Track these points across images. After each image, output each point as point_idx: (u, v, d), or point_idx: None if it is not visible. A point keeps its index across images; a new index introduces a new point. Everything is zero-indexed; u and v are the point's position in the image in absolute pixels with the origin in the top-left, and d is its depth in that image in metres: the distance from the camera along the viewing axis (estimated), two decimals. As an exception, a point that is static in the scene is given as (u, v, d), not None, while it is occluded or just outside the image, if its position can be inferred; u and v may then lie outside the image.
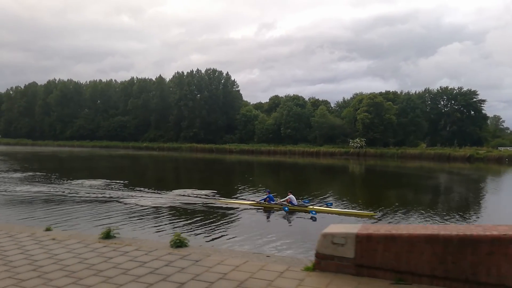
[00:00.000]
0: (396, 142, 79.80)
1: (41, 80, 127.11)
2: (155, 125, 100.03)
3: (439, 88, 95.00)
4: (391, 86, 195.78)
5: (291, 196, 16.99)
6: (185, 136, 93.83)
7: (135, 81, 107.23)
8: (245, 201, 18.39)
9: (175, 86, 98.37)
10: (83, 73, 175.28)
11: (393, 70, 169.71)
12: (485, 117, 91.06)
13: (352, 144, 75.30)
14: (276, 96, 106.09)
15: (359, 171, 48.33)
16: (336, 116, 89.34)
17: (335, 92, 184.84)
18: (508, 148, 72.53)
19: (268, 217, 16.23)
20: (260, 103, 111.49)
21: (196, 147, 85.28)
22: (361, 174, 44.44)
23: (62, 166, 42.89)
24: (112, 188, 22.45)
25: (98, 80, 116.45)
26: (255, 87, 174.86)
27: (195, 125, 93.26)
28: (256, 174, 41.68)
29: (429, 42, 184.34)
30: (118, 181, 25.12)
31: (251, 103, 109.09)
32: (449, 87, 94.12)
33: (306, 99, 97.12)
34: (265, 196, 17.71)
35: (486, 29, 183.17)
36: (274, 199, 17.63)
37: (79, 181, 24.93)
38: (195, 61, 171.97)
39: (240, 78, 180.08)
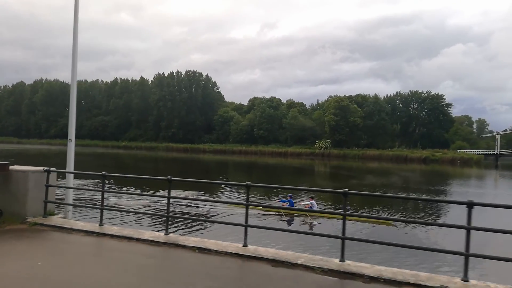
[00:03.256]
0: (367, 144, 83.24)
1: (43, 78, 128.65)
2: (136, 124, 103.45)
3: (409, 92, 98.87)
4: (394, 87, 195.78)
5: (313, 202, 16.41)
6: (164, 136, 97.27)
7: (118, 82, 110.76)
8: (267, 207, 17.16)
9: (156, 87, 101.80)
10: (84, 71, 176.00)
11: (396, 71, 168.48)
12: (452, 120, 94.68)
13: (318, 145, 78.78)
14: (255, 98, 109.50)
15: (324, 171, 50.37)
16: (309, 118, 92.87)
17: (337, 93, 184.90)
18: (465, 150, 76.06)
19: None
20: (240, 105, 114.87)
21: (172, 146, 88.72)
22: (326, 173, 47.22)
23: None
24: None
25: (84, 80, 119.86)
26: (256, 87, 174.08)
27: (174, 125, 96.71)
28: (231, 174, 41.90)
29: (432, 43, 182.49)
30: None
31: (236, 104, 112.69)
32: (419, 91, 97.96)
33: (294, 101, 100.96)
34: (285, 200, 16.95)
35: (491, 31, 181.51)
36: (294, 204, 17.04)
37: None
38: (196, 60, 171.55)
39: (241, 78, 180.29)
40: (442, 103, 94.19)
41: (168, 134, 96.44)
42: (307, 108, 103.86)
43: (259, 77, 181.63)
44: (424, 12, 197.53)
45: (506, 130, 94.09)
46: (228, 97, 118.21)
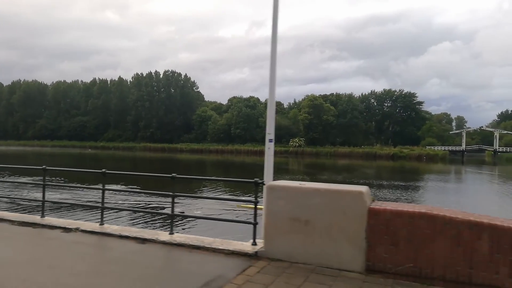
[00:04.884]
0: (342, 142, 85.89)
1: (26, 79, 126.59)
2: (114, 125, 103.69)
3: (383, 90, 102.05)
4: (381, 85, 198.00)
5: None
6: (142, 136, 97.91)
7: (97, 82, 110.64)
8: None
9: (134, 87, 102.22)
10: (69, 71, 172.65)
11: (383, 69, 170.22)
12: (423, 118, 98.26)
13: (292, 143, 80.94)
14: (234, 97, 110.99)
15: (298, 168, 51.95)
16: (285, 117, 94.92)
17: (326, 92, 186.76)
18: (434, 147, 79.38)
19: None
20: (220, 104, 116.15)
21: (149, 146, 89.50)
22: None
23: None
24: None
25: (62, 81, 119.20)
26: (245, 86, 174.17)
27: (152, 125, 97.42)
28: (210, 173, 41.83)
29: (419, 41, 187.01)
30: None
31: (216, 103, 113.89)
32: (392, 89, 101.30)
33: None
34: None
35: (477, 29, 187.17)
36: None
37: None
38: (184, 59, 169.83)
39: (230, 77, 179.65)
40: (414, 101, 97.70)
41: (147, 134, 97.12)
42: (285, 107, 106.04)
43: (248, 76, 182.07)
44: (411, 10, 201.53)
45: (482, 127, 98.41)
46: (216, 97, 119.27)
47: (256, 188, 5.38)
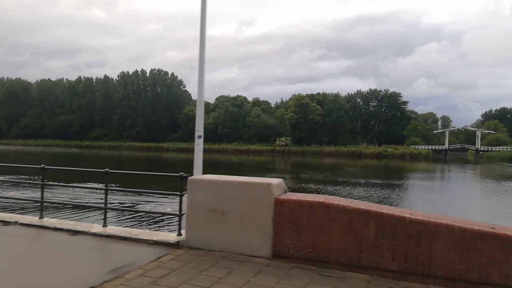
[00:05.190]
0: (328, 141, 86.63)
1: (11, 76, 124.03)
2: (100, 124, 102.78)
3: (368, 90, 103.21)
4: (370, 85, 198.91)
5: None
6: (128, 135, 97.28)
7: (82, 80, 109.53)
8: None
9: (120, 86, 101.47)
10: (55, 69, 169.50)
11: (372, 69, 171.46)
12: (408, 118, 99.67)
13: (278, 142, 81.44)
14: (221, 96, 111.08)
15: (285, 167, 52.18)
16: (273, 117, 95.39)
17: (316, 91, 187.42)
18: (418, 146, 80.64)
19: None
20: (207, 103, 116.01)
21: (135, 145, 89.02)
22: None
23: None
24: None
25: (47, 79, 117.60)
26: (234, 85, 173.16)
27: (138, 124, 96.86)
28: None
29: (407, 41, 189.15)
30: None
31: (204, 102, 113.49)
32: (378, 89, 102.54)
33: (259, 99, 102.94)
34: None
35: (463, 29, 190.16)
36: None
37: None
38: (172, 57, 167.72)
39: (219, 76, 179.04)
40: (399, 101, 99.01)
41: (133, 133, 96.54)
42: (272, 106, 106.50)
43: (237, 75, 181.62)
44: (399, 10, 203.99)
45: (466, 126, 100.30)
46: (205, 96, 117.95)
47: (181, 182, 5.66)
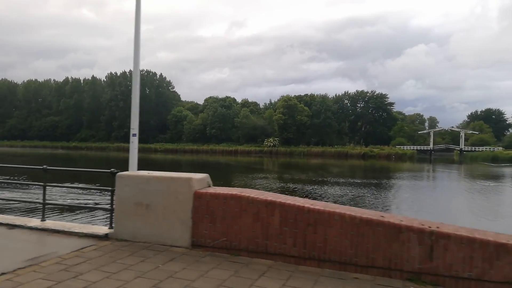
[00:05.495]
0: (316, 142, 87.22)
1: None
2: (87, 125, 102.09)
3: (356, 91, 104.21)
4: (359, 87, 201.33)
5: None
6: (116, 136, 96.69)
7: (69, 81, 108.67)
8: None
9: (107, 87, 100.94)
10: (44, 70, 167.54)
11: (362, 71, 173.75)
12: (395, 118, 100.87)
13: (266, 143, 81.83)
14: (210, 97, 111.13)
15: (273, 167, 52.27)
16: (261, 118, 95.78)
17: (306, 92, 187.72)
18: (403, 147, 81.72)
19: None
20: (196, 104, 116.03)
21: (123, 146, 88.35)
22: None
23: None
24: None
25: (34, 80, 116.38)
26: (225, 86, 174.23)
27: (126, 125, 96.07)
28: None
29: (396, 43, 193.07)
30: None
31: (192, 103, 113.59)
32: (365, 90, 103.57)
33: (248, 100, 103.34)
34: None
35: (451, 32, 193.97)
36: None
37: None
38: (163, 58, 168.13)
39: (210, 77, 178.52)
40: (385, 102, 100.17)
41: (121, 134, 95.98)
42: (261, 107, 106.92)
43: (228, 76, 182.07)
44: (388, 13, 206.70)
45: (453, 127, 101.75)
46: (196, 97, 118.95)
47: (113, 177, 5.88)
